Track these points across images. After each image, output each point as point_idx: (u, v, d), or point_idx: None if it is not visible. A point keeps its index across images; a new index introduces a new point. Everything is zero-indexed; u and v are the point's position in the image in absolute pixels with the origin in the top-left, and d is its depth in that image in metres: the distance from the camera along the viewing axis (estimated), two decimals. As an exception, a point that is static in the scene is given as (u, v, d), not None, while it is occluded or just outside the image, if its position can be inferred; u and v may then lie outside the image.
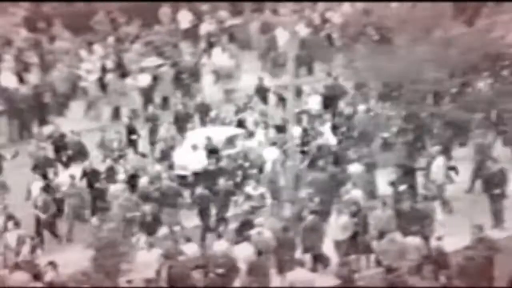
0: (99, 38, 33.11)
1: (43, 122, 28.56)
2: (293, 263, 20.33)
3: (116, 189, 22.96)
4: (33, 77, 29.82)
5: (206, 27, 35.07)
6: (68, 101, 30.05)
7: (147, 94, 29.95)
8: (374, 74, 26.23)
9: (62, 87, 29.85)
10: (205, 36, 34.72)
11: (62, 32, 33.13)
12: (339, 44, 34.00)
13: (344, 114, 27.33)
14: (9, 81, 29.42)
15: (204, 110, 27.87)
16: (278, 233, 21.09)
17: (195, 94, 30.36)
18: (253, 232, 21.02)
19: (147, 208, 22.01)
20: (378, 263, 20.93)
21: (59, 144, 25.37)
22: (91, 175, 23.49)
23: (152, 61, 31.25)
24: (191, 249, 20.27)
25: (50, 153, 25.31)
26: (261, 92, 29.38)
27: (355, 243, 21.11)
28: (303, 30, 34.36)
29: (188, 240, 20.77)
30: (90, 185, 23.36)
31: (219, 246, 20.34)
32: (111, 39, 33.06)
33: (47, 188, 22.77)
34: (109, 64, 30.95)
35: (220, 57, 32.61)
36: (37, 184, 22.82)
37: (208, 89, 31.03)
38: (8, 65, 30.04)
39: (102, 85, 29.98)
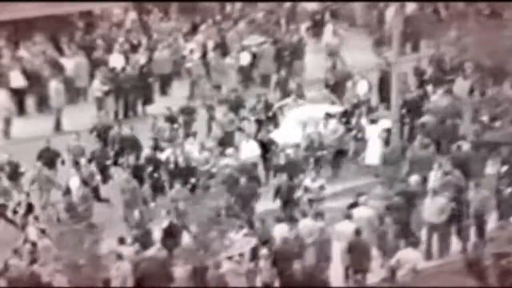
0: (204, 18, 33.20)
1: (147, 101, 28.98)
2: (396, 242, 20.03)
3: (226, 164, 22.94)
4: (139, 57, 30.14)
5: (310, 4, 34.79)
6: (171, 80, 30.31)
7: (247, 73, 29.90)
8: (482, 49, 25.42)
9: (166, 66, 30.10)
10: (308, 14, 34.44)
11: (168, 13, 33.49)
12: (447, 20, 33.12)
13: (407, 100, 26.24)
14: (117, 61, 29.88)
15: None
16: (382, 212, 20.78)
17: (298, 72, 30.14)
18: (355, 210, 20.78)
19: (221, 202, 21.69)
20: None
21: (104, 136, 24.78)
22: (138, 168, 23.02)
23: (254, 39, 31.23)
24: (281, 230, 20.15)
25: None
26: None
27: (454, 226, 20.60)
28: (409, 6, 33.62)
29: (279, 220, 20.66)
30: (139, 179, 22.72)
31: (305, 225, 20.16)
32: (215, 18, 33.15)
33: (86, 182, 22.40)
34: (211, 43, 31.00)
35: (325, 35, 32.31)
36: (75, 179, 22.43)
37: (311, 66, 30.80)
38: (119, 46, 30.56)
39: (205, 64, 30.10)
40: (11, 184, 22.49)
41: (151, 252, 19.51)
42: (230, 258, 19.45)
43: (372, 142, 24.80)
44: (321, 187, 22.12)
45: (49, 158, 23.49)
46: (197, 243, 19.71)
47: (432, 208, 20.67)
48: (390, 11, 32.01)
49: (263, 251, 19.42)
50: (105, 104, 28.36)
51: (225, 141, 24.69)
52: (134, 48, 30.82)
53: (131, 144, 24.29)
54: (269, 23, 32.89)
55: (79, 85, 29.79)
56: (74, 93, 29.71)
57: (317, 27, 33.68)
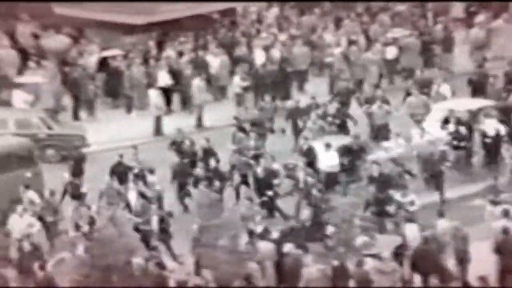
0: (347, 12, 32.66)
1: (285, 97, 28.53)
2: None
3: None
4: (276, 52, 29.76)
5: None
6: (307, 76, 29.78)
7: (392, 66, 29.13)
8: None
9: (303, 62, 29.63)
10: (458, 5, 33.22)
11: (311, 7, 33.13)
12: None
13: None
14: (259, 57, 29.65)
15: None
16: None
17: (447, 65, 29.04)
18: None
19: None
20: None
21: (182, 150, 23.73)
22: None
23: (398, 31, 30.41)
24: (411, 231, 19.39)
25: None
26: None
27: None
28: None
29: (409, 220, 19.89)
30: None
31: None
32: (357, 12, 32.55)
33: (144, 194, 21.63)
34: (353, 37, 30.40)
35: (475, 27, 31.01)
36: (133, 193, 21.84)
37: (459, 60, 29.56)
38: (260, 42, 30.34)
39: (346, 58, 29.44)
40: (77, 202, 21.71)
41: (286, 249, 19.04)
42: (373, 256, 18.78)
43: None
44: (411, 203, 20.95)
45: (120, 172, 22.88)
46: (337, 241, 19.10)
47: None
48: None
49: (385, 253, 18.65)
50: (244, 100, 28.16)
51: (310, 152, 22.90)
52: (273, 44, 30.53)
53: (208, 156, 23.12)
54: (414, 16, 31.83)
55: (222, 83, 29.73)
56: (215, 90, 29.66)
57: (469, 18, 32.32)
